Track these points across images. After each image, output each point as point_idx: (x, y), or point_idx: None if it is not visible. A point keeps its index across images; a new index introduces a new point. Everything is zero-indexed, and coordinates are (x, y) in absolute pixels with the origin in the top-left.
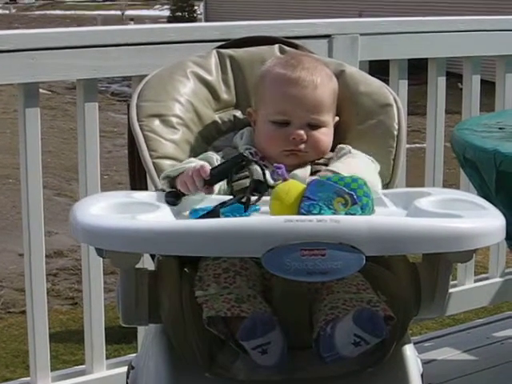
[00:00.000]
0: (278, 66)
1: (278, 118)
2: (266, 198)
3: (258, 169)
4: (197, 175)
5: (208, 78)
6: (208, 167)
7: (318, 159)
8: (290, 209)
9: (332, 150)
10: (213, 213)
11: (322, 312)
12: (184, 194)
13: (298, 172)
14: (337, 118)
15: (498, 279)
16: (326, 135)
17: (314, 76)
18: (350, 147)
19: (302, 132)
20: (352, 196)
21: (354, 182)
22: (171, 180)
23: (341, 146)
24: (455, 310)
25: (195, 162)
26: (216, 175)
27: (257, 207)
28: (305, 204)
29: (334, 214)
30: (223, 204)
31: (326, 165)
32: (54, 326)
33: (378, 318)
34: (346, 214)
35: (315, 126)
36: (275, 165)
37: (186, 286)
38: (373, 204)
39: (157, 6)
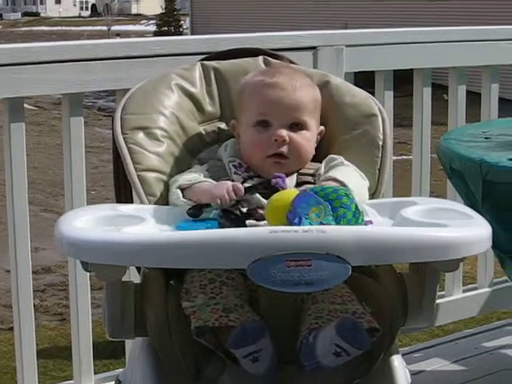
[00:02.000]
0: (257, 76)
1: (258, 119)
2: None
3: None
4: (232, 193)
5: (192, 90)
6: (242, 186)
7: (303, 169)
8: (282, 218)
9: (319, 160)
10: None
11: (305, 321)
12: (207, 206)
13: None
14: (321, 128)
15: (486, 289)
16: (308, 140)
17: (292, 80)
18: (343, 158)
19: (283, 132)
20: (326, 206)
21: (334, 192)
22: (182, 190)
23: (332, 156)
24: (444, 320)
25: (199, 173)
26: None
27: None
28: (288, 214)
29: (311, 224)
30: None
31: (314, 175)
32: (43, 342)
33: (360, 330)
34: (321, 224)
35: (297, 128)
36: (276, 174)
37: (171, 299)
38: (358, 215)
39: (143, 22)
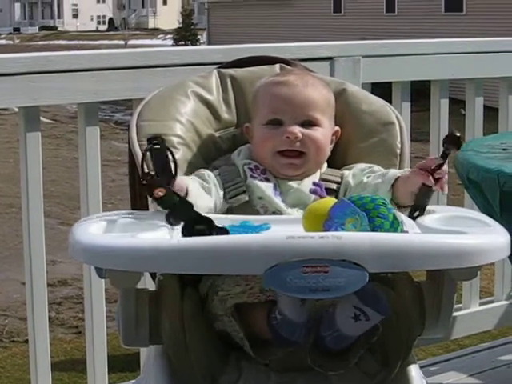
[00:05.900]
0: (269, 78)
1: (269, 118)
2: (275, 217)
3: (259, 184)
4: None
5: (209, 97)
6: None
7: (325, 175)
8: (319, 227)
9: (336, 168)
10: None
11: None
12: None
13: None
14: (336, 128)
15: (503, 302)
16: (323, 135)
17: (303, 79)
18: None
19: (295, 129)
20: (363, 217)
21: (372, 202)
22: None
23: (366, 164)
24: (460, 333)
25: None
26: None
27: (268, 225)
28: (326, 223)
29: None
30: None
31: (339, 183)
32: (58, 355)
33: (379, 295)
34: None
35: (309, 125)
36: (314, 181)
37: (187, 307)
38: (396, 225)
39: (160, 36)
